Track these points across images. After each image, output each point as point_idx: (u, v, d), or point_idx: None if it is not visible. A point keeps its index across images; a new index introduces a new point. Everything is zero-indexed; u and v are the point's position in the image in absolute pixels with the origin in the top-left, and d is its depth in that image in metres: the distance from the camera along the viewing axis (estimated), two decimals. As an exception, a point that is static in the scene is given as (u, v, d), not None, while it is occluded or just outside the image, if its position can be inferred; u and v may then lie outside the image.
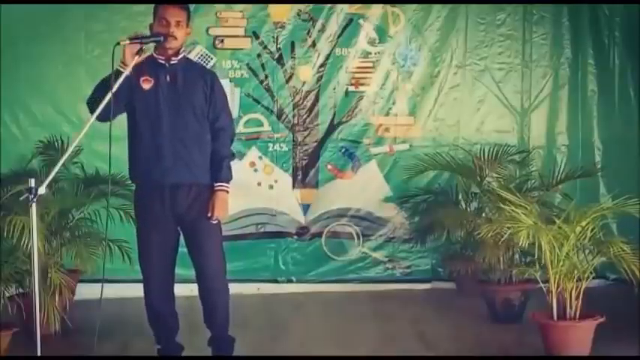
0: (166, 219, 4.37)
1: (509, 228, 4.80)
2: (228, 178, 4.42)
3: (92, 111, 4.02)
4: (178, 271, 6.34)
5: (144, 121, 4.33)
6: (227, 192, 4.40)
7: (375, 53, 6.79)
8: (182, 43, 4.37)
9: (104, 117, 4.00)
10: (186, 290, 6.59)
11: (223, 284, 4.54)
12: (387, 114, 6.82)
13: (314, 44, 6.74)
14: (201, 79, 4.43)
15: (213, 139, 4.42)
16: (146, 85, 4.32)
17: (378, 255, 6.81)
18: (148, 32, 4.25)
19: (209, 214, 4.35)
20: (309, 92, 6.78)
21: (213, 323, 4.60)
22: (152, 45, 4.26)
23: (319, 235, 6.78)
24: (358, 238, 6.79)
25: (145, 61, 4.24)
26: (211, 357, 4.79)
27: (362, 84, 6.77)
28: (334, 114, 6.79)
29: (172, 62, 4.35)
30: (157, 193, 4.34)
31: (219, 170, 4.40)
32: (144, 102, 4.32)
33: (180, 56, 4.39)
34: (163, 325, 4.65)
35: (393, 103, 6.83)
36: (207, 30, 6.62)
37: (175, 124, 4.32)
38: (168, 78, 4.34)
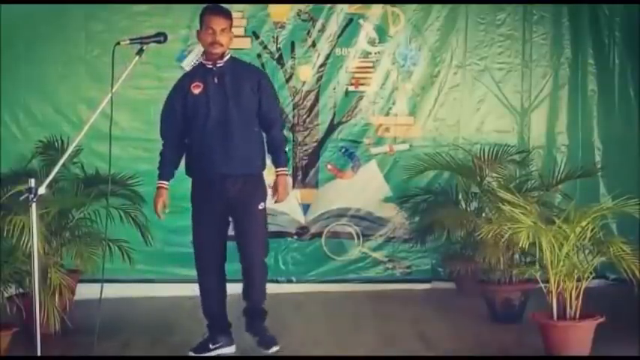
0: (218, 208, 4.81)
1: (509, 228, 4.80)
2: (286, 163, 4.96)
3: (167, 139, 4.85)
4: (183, 271, 6.44)
5: (195, 122, 4.76)
6: (287, 175, 4.97)
7: (375, 53, 6.79)
8: (227, 48, 4.79)
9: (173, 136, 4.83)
10: (188, 290, 6.64)
11: (263, 265, 4.98)
12: (387, 114, 6.82)
13: (314, 44, 6.74)
14: (248, 77, 4.85)
15: (266, 131, 4.89)
16: (196, 90, 4.78)
17: (378, 255, 6.81)
18: (148, 33, 4.25)
19: (274, 198, 4.92)
20: (309, 92, 6.78)
21: (249, 296, 5.01)
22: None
23: (319, 235, 6.78)
24: (358, 238, 6.79)
25: (195, 69, 4.96)
26: (213, 357, 4.81)
27: (362, 84, 6.77)
28: (334, 114, 6.79)
29: (219, 65, 4.78)
30: (209, 185, 4.79)
31: (277, 157, 4.93)
32: (195, 105, 4.75)
33: (226, 58, 4.81)
34: (215, 302, 5.01)
35: (393, 103, 6.83)
36: (207, 30, 6.62)
37: (224, 121, 4.73)
38: (215, 80, 4.77)
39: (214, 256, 4.89)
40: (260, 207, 4.85)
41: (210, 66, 4.79)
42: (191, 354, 4.89)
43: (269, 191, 4.98)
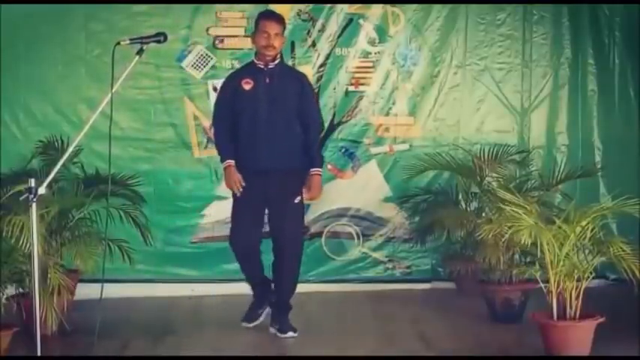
0: (258, 198, 5.18)
1: (509, 228, 4.80)
2: (321, 164, 5.33)
3: (220, 127, 5.27)
4: (183, 271, 6.44)
5: (244, 117, 5.15)
6: (321, 175, 5.29)
7: (375, 53, 6.78)
8: (279, 51, 5.25)
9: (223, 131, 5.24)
10: (187, 290, 6.65)
11: (295, 258, 5.34)
12: (387, 114, 6.82)
13: (314, 44, 6.73)
14: (294, 80, 5.31)
15: (305, 131, 5.25)
16: (247, 87, 5.16)
17: (378, 255, 6.81)
18: (148, 33, 4.25)
19: (306, 195, 5.28)
20: (309, 92, 6.77)
21: (278, 290, 5.37)
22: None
23: (319, 235, 6.77)
24: (358, 238, 6.79)
25: (245, 67, 5.34)
26: (210, 357, 4.81)
27: (362, 84, 6.77)
28: (334, 114, 6.78)
29: (270, 67, 5.18)
30: (252, 177, 5.13)
31: (313, 158, 5.29)
32: (245, 101, 5.15)
33: (277, 61, 5.25)
34: (258, 276, 5.45)
35: (393, 103, 6.82)
36: (207, 30, 6.62)
37: (270, 119, 5.12)
38: (267, 80, 5.16)
39: (252, 240, 5.26)
40: (296, 201, 5.23)
41: (262, 66, 5.18)
42: (244, 324, 5.41)
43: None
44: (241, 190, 5.18)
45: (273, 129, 5.13)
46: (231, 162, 5.21)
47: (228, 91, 5.27)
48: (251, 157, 5.16)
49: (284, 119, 5.17)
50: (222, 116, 5.29)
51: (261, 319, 5.44)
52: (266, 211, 5.30)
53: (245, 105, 5.16)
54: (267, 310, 5.43)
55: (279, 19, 5.23)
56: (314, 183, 5.25)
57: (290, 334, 5.24)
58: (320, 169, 5.30)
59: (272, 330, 5.33)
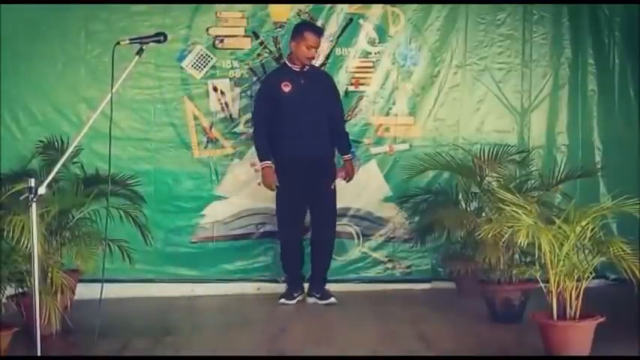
0: (300, 185, 5.99)
1: (509, 228, 4.80)
2: (349, 150, 6.30)
3: (259, 127, 6.06)
4: (183, 271, 6.45)
5: (286, 114, 5.94)
6: (352, 160, 6.33)
7: (375, 53, 6.78)
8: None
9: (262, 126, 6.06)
10: (186, 290, 6.65)
11: (332, 239, 6.25)
12: (387, 114, 6.82)
13: (314, 44, 6.73)
14: (324, 80, 6.24)
15: (334, 124, 6.14)
16: (286, 89, 6.00)
17: (378, 255, 6.81)
18: (147, 33, 4.26)
19: (346, 178, 6.29)
20: (309, 92, 6.79)
21: (316, 265, 6.23)
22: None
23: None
24: (358, 238, 6.79)
25: (280, 70, 6.17)
26: (210, 357, 4.81)
27: (362, 84, 6.77)
28: (334, 114, 6.79)
29: (304, 70, 6.06)
30: (295, 164, 5.97)
31: (344, 146, 6.27)
32: (286, 101, 5.97)
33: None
34: (297, 262, 6.27)
35: (393, 103, 6.82)
36: (207, 30, 6.62)
37: (307, 115, 5.96)
38: (302, 81, 6.03)
39: (297, 223, 6.16)
40: (332, 186, 6.13)
41: (298, 69, 6.05)
42: (282, 301, 6.15)
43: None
44: (279, 185, 6.00)
45: (310, 123, 5.96)
46: (269, 163, 5.99)
47: (267, 95, 6.05)
48: (297, 147, 5.95)
49: (318, 114, 6.01)
50: (262, 120, 6.04)
51: (293, 301, 6.20)
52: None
53: (286, 104, 5.95)
54: (300, 297, 6.22)
55: (321, 33, 6.19)
56: (349, 166, 6.28)
57: (332, 299, 6.13)
58: (351, 155, 6.32)
59: (311, 300, 6.19)
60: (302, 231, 6.28)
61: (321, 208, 6.14)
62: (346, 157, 6.29)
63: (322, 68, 6.58)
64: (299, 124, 5.97)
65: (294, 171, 6.02)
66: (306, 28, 6.09)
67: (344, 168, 6.29)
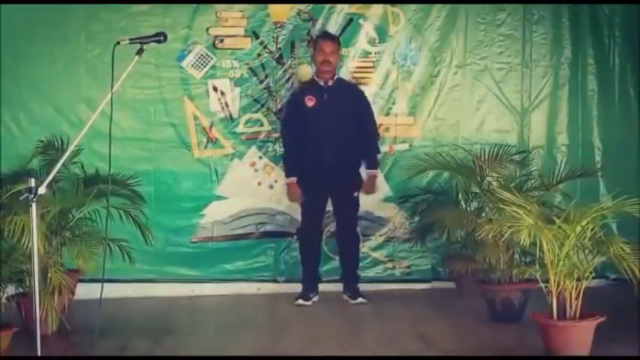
0: (323, 191, 6.20)
1: (509, 228, 4.80)
2: (376, 166, 6.33)
3: (289, 144, 6.26)
4: (183, 271, 6.46)
5: (310, 127, 6.10)
6: (377, 176, 6.35)
7: (375, 53, 6.78)
8: (335, 66, 6.24)
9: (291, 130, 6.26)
10: (187, 290, 6.65)
11: (357, 237, 6.40)
12: (387, 114, 6.82)
13: (314, 44, 6.73)
14: (351, 94, 6.28)
15: (362, 138, 6.22)
16: (310, 103, 6.16)
17: (378, 255, 6.81)
18: (147, 33, 4.25)
19: (363, 191, 6.28)
20: (309, 92, 6.79)
21: (344, 263, 6.37)
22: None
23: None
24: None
25: (308, 85, 6.31)
26: (210, 357, 4.81)
27: (362, 84, 6.76)
28: (334, 114, 6.79)
29: (329, 84, 6.19)
30: (319, 171, 6.10)
31: (371, 161, 6.30)
32: (309, 115, 6.14)
33: (335, 78, 6.25)
34: (314, 262, 6.36)
35: (393, 103, 6.82)
36: (207, 30, 6.62)
37: (330, 128, 6.09)
38: (326, 96, 6.16)
39: (317, 225, 6.29)
40: (355, 194, 6.24)
41: (322, 84, 6.18)
42: (300, 302, 6.17)
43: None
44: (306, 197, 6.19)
45: (333, 136, 6.09)
46: (294, 179, 6.17)
47: (293, 110, 6.24)
48: (319, 156, 6.09)
49: (341, 127, 6.11)
50: (289, 135, 6.24)
51: (309, 302, 6.22)
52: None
53: (309, 119, 6.12)
54: (315, 298, 6.27)
55: (334, 39, 6.27)
56: (371, 181, 6.29)
57: (360, 299, 6.19)
58: (376, 171, 6.33)
59: (345, 297, 6.27)
60: (320, 232, 6.37)
61: (345, 216, 6.27)
62: (370, 172, 6.29)
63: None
64: (320, 138, 6.09)
65: (315, 179, 6.13)
66: (319, 35, 6.34)
67: (368, 181, 6.28)
